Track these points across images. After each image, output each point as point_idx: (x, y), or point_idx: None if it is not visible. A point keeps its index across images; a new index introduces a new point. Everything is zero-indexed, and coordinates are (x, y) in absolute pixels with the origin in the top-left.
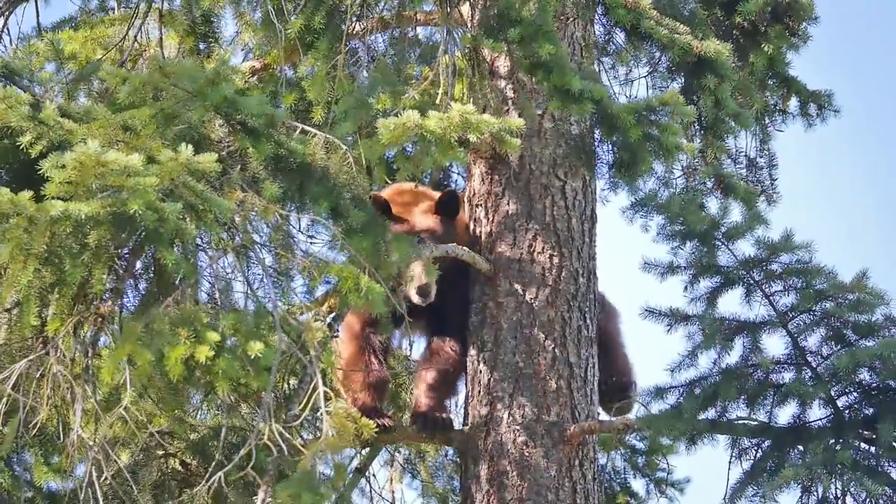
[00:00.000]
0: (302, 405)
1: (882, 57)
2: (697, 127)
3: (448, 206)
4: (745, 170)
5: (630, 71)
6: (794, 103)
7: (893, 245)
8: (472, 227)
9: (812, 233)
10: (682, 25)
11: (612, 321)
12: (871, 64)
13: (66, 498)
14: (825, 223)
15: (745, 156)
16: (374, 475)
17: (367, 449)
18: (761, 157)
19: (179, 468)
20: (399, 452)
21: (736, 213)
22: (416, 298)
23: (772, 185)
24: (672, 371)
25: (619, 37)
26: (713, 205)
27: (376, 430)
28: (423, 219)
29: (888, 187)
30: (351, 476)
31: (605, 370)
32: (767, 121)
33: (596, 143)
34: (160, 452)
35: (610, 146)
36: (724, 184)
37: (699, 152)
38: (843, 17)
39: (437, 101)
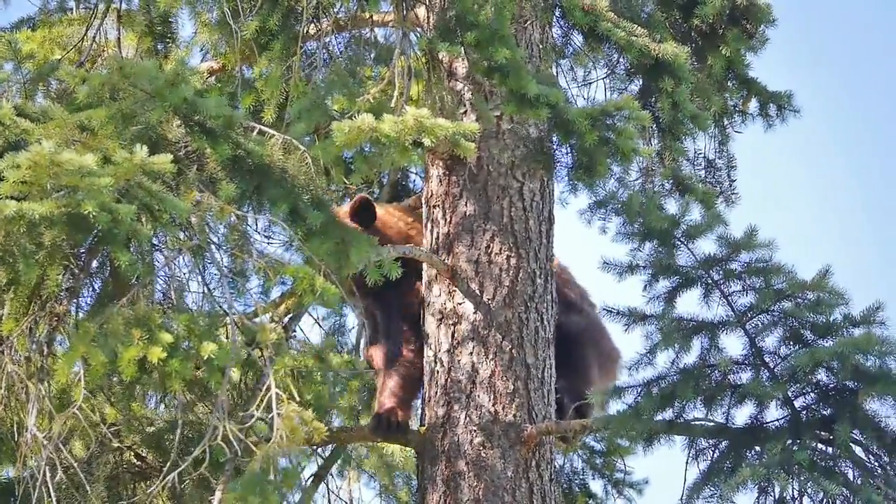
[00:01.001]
0: (256, 405)
1: (843, 58)
2: (655, 128)
3: (362, 214)
4: (703, 171)
5: (588, 73)
6: (754, 104)
7: (861, 242)
8: (429, 227)
9: (778, 232)
10: (639, 28)
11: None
12: (832, 65)
13: (20, 495)
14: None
15: (704, 157)
16: (331, 475)
17: (327, 454)
18: (720, 158)
19: (135, 461)
20: (357, 453)
21: (696, 213)
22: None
23: (730, 186)
24: (630, 370)
25: (577, 39)
26: (672, 206)
27: (327, 432)
28: None
29: (853, 185)
30: (310, 482)
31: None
32: (726, 122)
33: (554, 146)
34: (115, 445)
35: (568, 149)
36: (683, 185)
37: (657, 154)
38: (804, 19)
39: (393, 104)
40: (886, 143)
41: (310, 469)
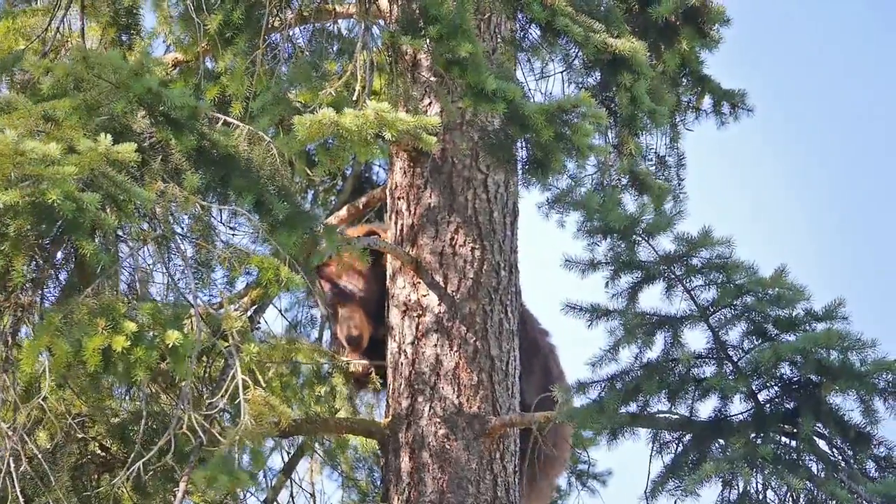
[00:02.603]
0: (221, 393)
1: (796, 58)
2: (612, 123)
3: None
4: (654, 167)
5: (545, 66)
6: (707, 102)
7: (812, 242)
8: (393, 219)
9: (733, 229)
10: (597, 23)
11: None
12: (786, 65)
13: None
14: (744, 220)
15: (656, 153)
16: (295, 470)
17: (295, 448)
18: (670, 155)
19: (99, 452)
20: (320, 444)
21: (660, 210)
22: (346, 345)
23: (679, 183)
24: (593, 366)
25: (535, 32)
26: (628, 201)
27: (293, 420)
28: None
29: (803, 185)
30: (276, 478)
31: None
32: (678, 119)
33: (514, 140)
34: (80, 436)
35: (524, 144)
36: (640, 181)
37: (614, 148)
38: (759, 19)
39: (355, 98)
40: (833, 146)
41: (277, 462)
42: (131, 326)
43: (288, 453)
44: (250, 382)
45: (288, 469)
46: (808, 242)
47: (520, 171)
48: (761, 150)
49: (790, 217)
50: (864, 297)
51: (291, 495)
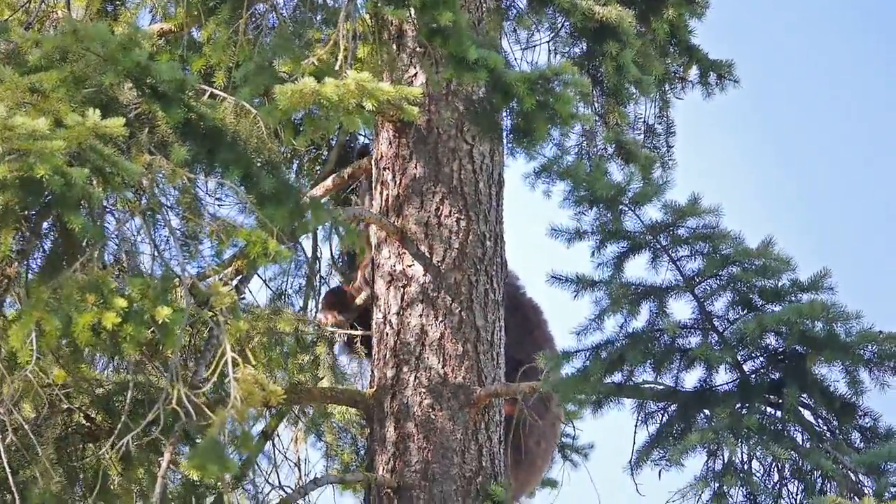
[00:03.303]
0: (210, 369)
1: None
2: (598, 92)
3: None
4: (642, 136)
5: (531, 35)
6: (694, 72)
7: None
8: (378, 189)
9: (722, 199)
10: None
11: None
12: (774, 33)
13: None
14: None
15: (644, 122)
16: (278, 436)
17: (274, 412)
18: (659, 124)
19: (84, 423)
20: (304, 413)
21: (647, 179)
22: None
23: (668, 151)
24: (578, 335)
25: (521, 1)
26: (615, 170)
27: (284, 394)
28: None
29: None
30: (257, 440)
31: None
32: (667, 88)
33: (499, 109)
34: (65, 407)
35: (507, 113)
36: (626, 150)
37: (599, 117)
38: None
39: (338, 67)
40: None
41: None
42: (121, 303)
43: (265, 419)
44: (239, 360)
45: (268, 432)
46: (795, 212)
47: (505, 141)
48: (749, 119)
49: (778, 187)
50: (849, 268)
51: (275, 465)
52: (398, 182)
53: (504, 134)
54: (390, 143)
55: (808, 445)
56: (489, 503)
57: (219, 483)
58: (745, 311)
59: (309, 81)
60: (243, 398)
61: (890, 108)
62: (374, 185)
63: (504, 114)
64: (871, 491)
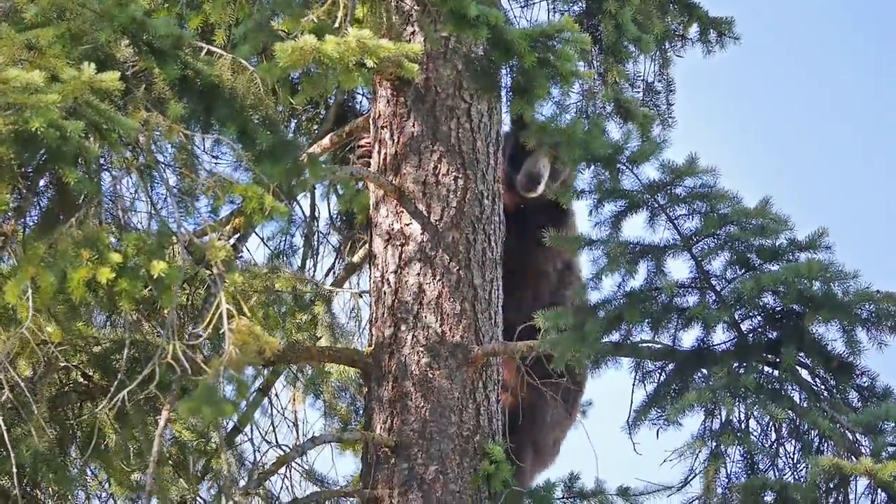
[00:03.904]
0: (206, 324)
1: None
2: (597, 51)
3: None
4: (642, 95)
5: None
6: (694, 30)
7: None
8: (376, 148)
9: (719, 158)
10: None
11: None
12: None
13: None
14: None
15: (644, 81)
16: (276, 395)
17: (271, 368)
18: (659, 82)
19: (81, 380)
20: (302, 373)
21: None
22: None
23: (668, 109)
24: (576, 294)
25: None
26: (613, 129)
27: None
28: None
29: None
30: (254, 396)
31: None
32: (667, 46)
33: (498, 67)
34: (61, 365)
35: (507, 71)
36: (625, 109)
37: (599, 76)
38: None
39: (337, 25)
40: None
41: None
42: (116, 258)
43: (263, 375)
44: (234, 312)
45: (265, 388)
46: (793, 171)
47: (504, 99)
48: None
49: (778, 147)
50: (847, 227)
51: (273, 424)
52: (396, 140)
53: (504, 92)
54: (388, 102)
55: (805, 405)
56: (486, 462)
57: (212, 442)
58: (743, 271)
59: (309, 39)
60: (238, 348)
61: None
62: (371, 143)
63: (504, 71)
64: (868, 450)
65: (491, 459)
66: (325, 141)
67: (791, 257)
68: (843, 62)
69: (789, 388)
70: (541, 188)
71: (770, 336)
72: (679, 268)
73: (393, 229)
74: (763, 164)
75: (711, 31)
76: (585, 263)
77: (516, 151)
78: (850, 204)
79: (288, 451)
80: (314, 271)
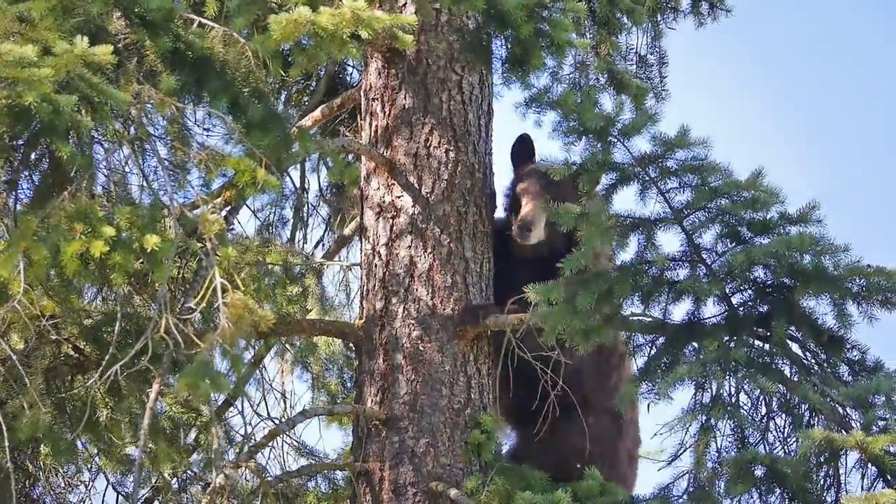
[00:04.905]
0: (198, 297)
1: None
2: (591, 22)
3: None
4: (634, 67)
5: None
6: (686, 1)
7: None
8: (367, 120)
9: (710, 129)
10: None
11: None
12: None
13: None
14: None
15: (636, 53)
16: (265, 367)
17: (262, 342)
18: (652, 54)
19: (73, 353)
20: (291, 346)
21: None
22: (517, 236)
23: (661, 82)
24: (567, 268)
25: None
26: (606, 101)
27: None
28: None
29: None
30: (245, 369)
31: None
32: (659, 18)
33: (491, 38)
34: (53, 338)
35: (503, 42)
36: (617, 80)
37: (592, 48)
38: None
39: None
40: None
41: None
42: (109, 231)
43: (254, 348)
44: (228, 286)
45: (256, 361)
46: (785, 144)
47: (499, 71)
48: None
49: (770, 119)
50: (840, 201)
51: (263, 396)
52: (387, 113)
53: (498, 63)
54: (379, 74)
55: (795, 379)
56: (477, 431)
57: (203, 416)
58: (734, 244)
59: (304, 10)
60: (232, 322)
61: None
62: (362, 115)
63: (498, 43)
64: (858, 424)
65: (482, 429)
66: (316, 113)
67: (782, 231)
68: (837, 28)
69: (780, 361)
70: (535, 235)
71: (760, 310)
72: (670, 241)
73: (384, 202)
74: (757, 135)
75: (703, 2)
76: None
77: (512, 202)
78: (842, 170)
79: (278, 423)
80: (304, 244)
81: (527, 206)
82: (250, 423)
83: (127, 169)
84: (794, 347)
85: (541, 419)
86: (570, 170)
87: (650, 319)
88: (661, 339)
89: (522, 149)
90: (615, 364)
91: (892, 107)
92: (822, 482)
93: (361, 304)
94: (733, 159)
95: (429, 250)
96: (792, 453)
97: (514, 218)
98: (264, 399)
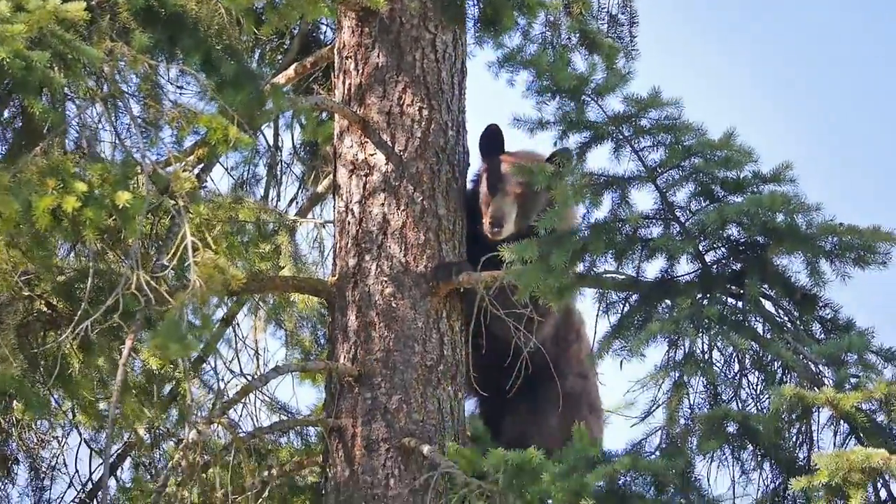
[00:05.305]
0: (171, 254)
1: None
2: None
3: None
4: (605, 26)
5: None
6: None
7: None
8: (341, 78)
9: (684, 91)
10: None
11: None
12: None
13: None
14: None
15: (608, 12)
16: (238, 324)
17: (235, 299)
18: (623, 13)
19: (45, 310)
20: (264, 302)
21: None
22: (488, 231)
23: (631, 41)
24: (541, 226)
25: None
26: (578, 60)
27: (244, 279)
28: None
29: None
30: (217, 326)
31: None
32: None
33: None
34: (26, 294)
35: (475, 1)
36: (590, 40)
37: (563, 7)
38: None
39: None
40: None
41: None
42: (81, 187)
43: (226, 305)
44: (199, 244)
45: (229, 318)
46: (760, 102)
47: (471, 30)
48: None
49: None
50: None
51: (236, 352)
52: (360, 71)
53: (471, 23)
54: (353, 33)
55: (768, 336)
56: (450, 388)
57: (178, 371)
58: (707, 202)
59: None
60: (203, 281)
61: None
62: (336, 73)
63: (471, 2)
64: (830, 381)
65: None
66: (290, 71)
67: (755, 189)
68: None
69: (752, 319)
70: (506, 230)
71: (734, 267)
72: (643, 199)
73: (357, 159)
74: (731, 94)
75: None
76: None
77: (481, 194)
78: (817, 127)
79: (251, 380)
80: (277, 201)
81: (497, 202)
82: (223, 380)
83: (99, 126)
84: (767, 305)
85: (511, 382)
86: (542, 171)
87: (624, 277)
88: (635, 297)
89: (492, 140)
90: (572, 340)
91: (857, 51)
92: (794, 439)
93: (334, 261)
94: (707, 119)
95: (402, 208)
96: (764, 410)
97: (484, 210)
98: (237, 356)
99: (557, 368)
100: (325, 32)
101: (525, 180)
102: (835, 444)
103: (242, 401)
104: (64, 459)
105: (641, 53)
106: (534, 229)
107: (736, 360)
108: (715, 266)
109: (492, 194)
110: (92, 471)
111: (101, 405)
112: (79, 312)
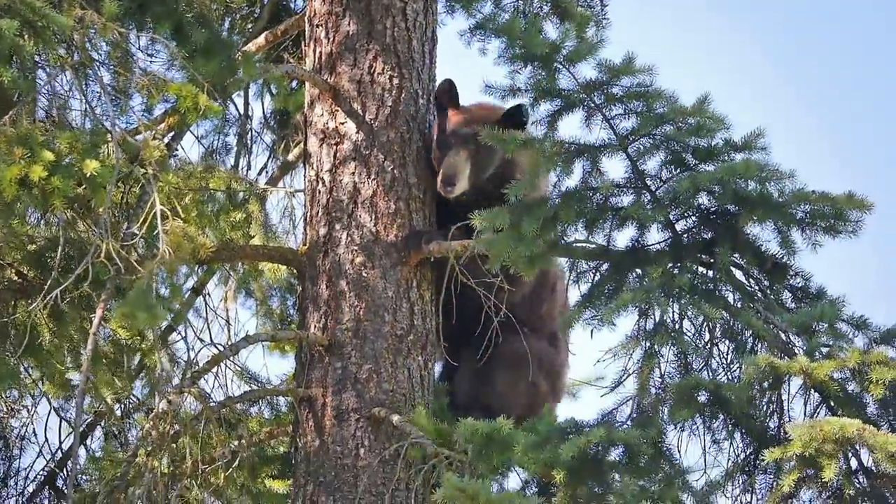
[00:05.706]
0: (140, 223)
1: None
2: None
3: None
4: None
5: None
6: None
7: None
8: (311, 47)
9: (657, 57)
10: None
11: None
12: None
13: None
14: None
15: None
16: (208, 294)
17: (204, 268)
18: None
19: (16, 279)
20: (234, 271)
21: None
22: (440, 189)
23: (602, 10)
24: (511, 194)
25: None
26: (550, 28)
27: (213, 248)
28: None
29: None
30: (188, 295)
31: None
32: None
33: None
34: None
35: None
36: (561, 8)
37: None
38: None
39: None
40: None
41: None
42: (49, 156)
43: (196, 274)
44: (168, 213)
45: (199, 287)
46: (733, 69)
47: None
48: None
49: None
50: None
51: (206, 322)
52: (331, 39)
53: None
54: (323, 1)
55: (739, 305)
56: (420, 358)
57: (146, 342)
58: (679, 170)
59: None
60: (172, 250)
61: None
62: (306, 42)
63: None
64: (801, 351)
65: (423, 357)
66: (260, 40)
67: (727, 157)
68: None
69: (723, 288)
70: (459, 188)
71: (705, 236)
72: (615, 167)
73: (328, 128)
74: (704, 62)
75: None
76: None
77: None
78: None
79: (222, 349)
80: (248, 170)
81: (448, 159)
82: (193, 349)
83: (70, 94)
84: (738, 274)
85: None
86: (513, 139)
87: (594, 246)
88: (605, 266)
89: (445, 95)
90: (545, 298)
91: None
92: (765, 408)
93: (305, 230)
94: (682, 89)
95: (372, 177)
96: (735, 379)
97: (437, 167)
98: (207, 325)
99: (526, 327)
100: (295, 1)
101: (475, 133)
102: (806, 413)
103: (213, 370)
104: (33, 429)
105: (612, 22)
106: (489, 183)
107: (707, 329)
108: (686, 235)
109: (442, 152)
110: (61, 440)
111: (71, 375)
112: (49, 281)
